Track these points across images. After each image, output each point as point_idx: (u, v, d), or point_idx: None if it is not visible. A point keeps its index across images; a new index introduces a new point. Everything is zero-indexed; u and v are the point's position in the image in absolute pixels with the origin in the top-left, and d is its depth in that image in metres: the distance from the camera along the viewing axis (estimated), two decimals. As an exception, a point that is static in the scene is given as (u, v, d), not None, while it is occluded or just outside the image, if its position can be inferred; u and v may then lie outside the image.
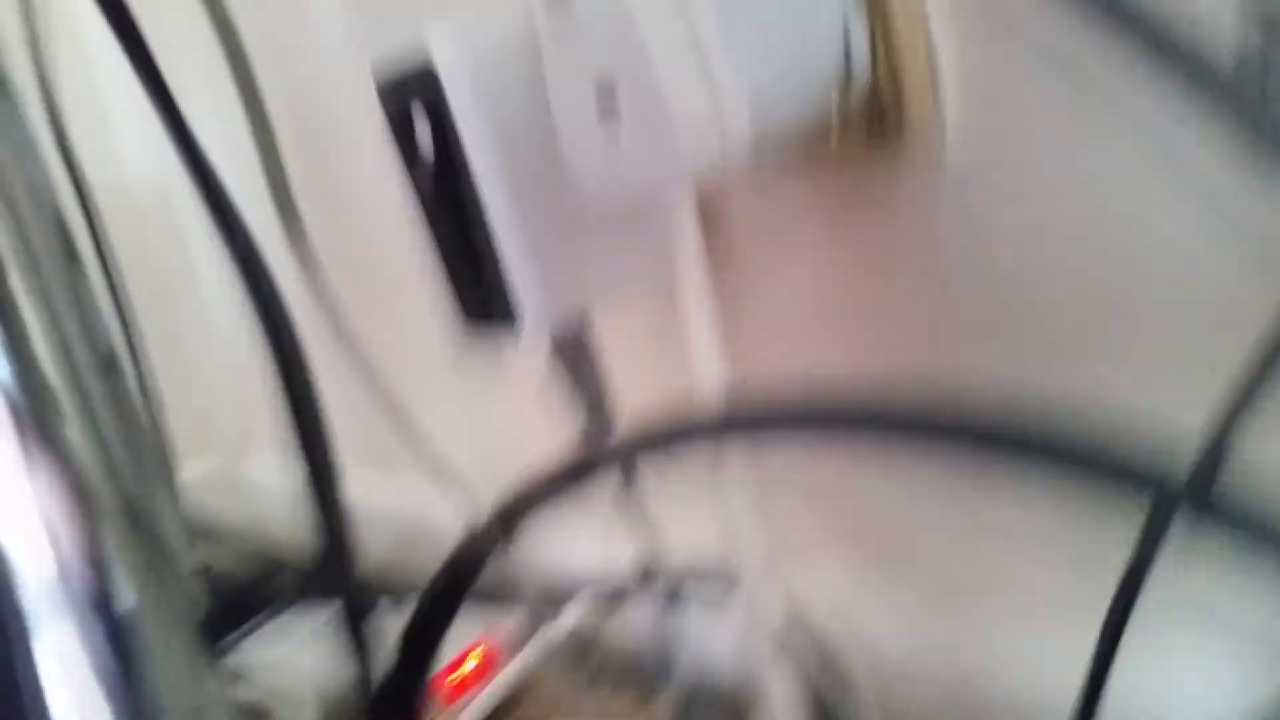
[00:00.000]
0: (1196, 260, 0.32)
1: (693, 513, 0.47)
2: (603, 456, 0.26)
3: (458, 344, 0.40)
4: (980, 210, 0.36)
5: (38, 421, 0.19)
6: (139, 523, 0.21)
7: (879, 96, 0.35)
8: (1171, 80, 0.28)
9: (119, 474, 0.20)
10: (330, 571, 0.29)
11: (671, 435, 0.26)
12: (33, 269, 0.20)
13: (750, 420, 0.25)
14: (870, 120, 0.36)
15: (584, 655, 0.58)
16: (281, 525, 0.80)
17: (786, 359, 0.45)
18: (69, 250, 0.20)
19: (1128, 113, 0.32)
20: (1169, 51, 0.28)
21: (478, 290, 0.39)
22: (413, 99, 0.36)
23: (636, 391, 0.53)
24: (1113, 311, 0.34)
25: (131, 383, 0.22)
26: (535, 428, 0.61)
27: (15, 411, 0.19)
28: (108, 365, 0.20)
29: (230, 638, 0.62)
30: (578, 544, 0.57)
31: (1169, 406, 0.28)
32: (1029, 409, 0.22)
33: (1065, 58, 0.33)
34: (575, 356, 0.41)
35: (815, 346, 0.44)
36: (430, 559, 0.30)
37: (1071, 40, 0.32)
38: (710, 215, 0.44)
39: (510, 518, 0.27)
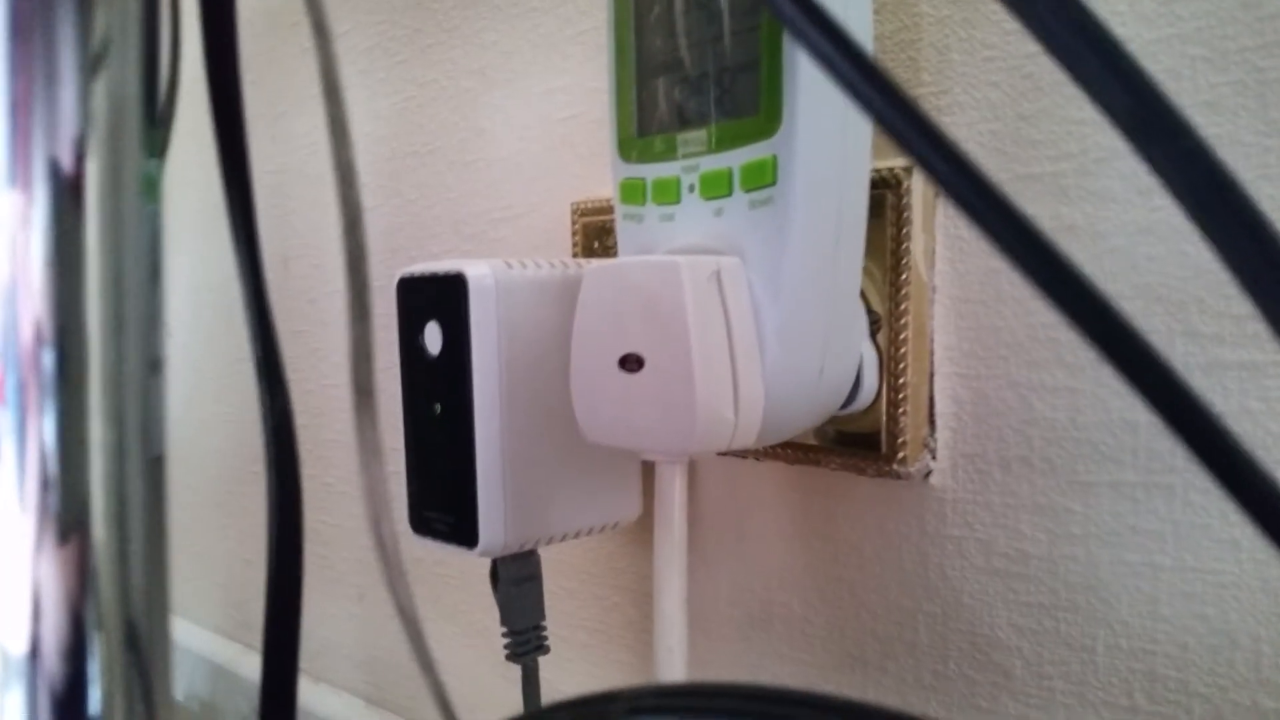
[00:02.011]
0: (1191, 642, 0.32)
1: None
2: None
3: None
4: (954, 548, 0.36)
5: (67, 515, 0.19)
6: (136, 648, 0.19)
7: (878, 416, 0.36)
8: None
9: (129, 591, 0.19)
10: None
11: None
12: (116, 371, 0.19)
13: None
14: (864, 435, 0.37)
15: None
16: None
17: (738, 635, 0.45)
18: (155, 358, 0.20)
19: (1124, 467, 0.33)
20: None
21: (437, 492, 0.38)
22: (433, 298, 0.37)
23: (575, 628, 0.52)
24: (1070, 672, 0.34)
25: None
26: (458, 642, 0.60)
27: (48, 501, 0.19)
28: (154, 469, 0.20)
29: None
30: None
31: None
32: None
33: (1067, 397, 0.34)
34: (517, 581, 0.40)
35: (763, 636, 0.43)
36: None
37: (1072, 380, 0.33)
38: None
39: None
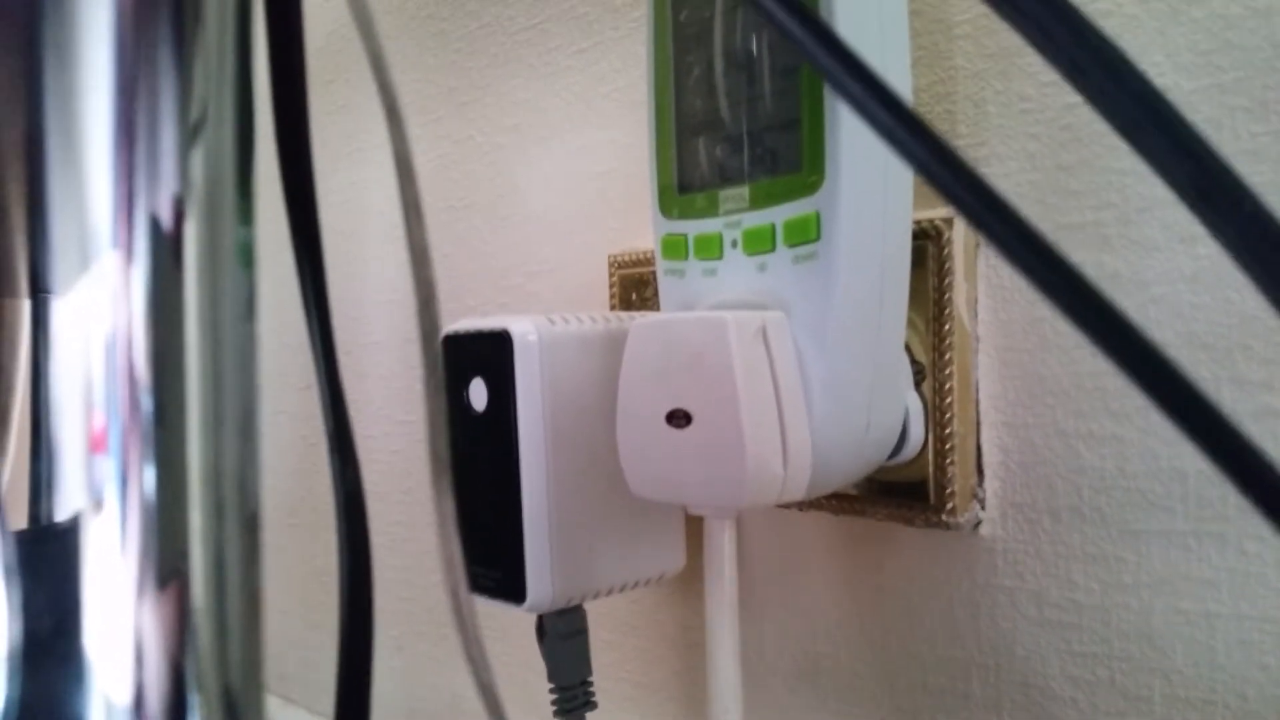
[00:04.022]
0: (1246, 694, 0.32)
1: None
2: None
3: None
4: (1005, 598, 0.36)
5: (167, 562, 0.19)
6: (232, 704, 0.20)
7: (925, 466, 0.36)
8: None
9: (227, 654, 0.20)
10: None
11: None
12: (213, 428, 0.20)
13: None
14: (910, 485, 0.37)
15: None
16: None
17: (785, 688, 0.44)
18: (250, 417, 0.21)
19: (1175, 516, 0.33)
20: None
21: (484, 548, 0.38)
22: (478, 355, 0.37)
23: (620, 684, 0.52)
24: (1117, 735, 0.34)
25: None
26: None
27: (149, 548, 0.19)
28: (249, 525, 0.20)
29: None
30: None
31: None
32: None
33: (1115, 446, 0.34)
34: (564, 636, 0.40)
35: (810, 689, 0.43)
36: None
37: (1119, 428, 0.33)
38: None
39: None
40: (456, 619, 0.17)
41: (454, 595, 0.17)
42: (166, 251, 0.20)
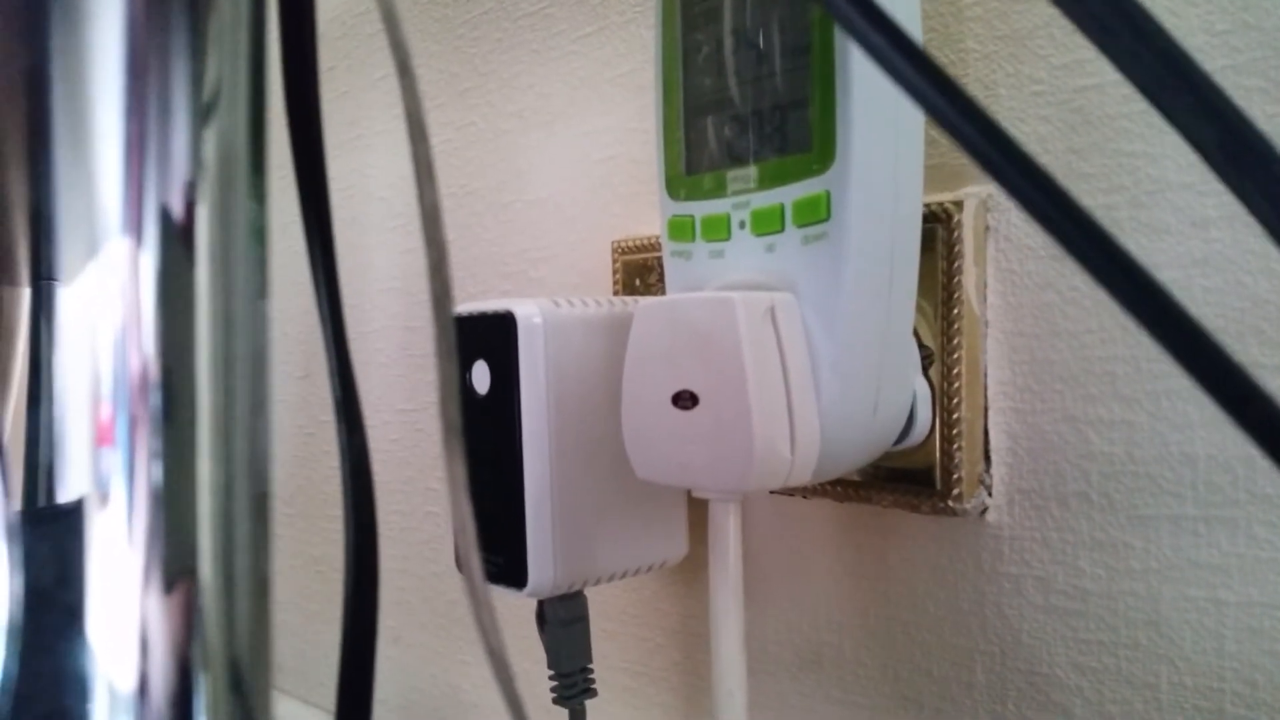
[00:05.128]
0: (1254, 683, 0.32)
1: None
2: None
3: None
4: (1011, 586, 0.36)
5: (174, 554, 0.19)
6: (240, 690, 0.19)
7: (931, 452, 0.36)
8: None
9: (235, 630, 0.19)
10: None
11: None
12: (224, 410, 0.19)
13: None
14: (916, 471, 0.36)
15: None
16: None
17: (787, 676, 0.44)
18: (261, 397, 0.20)
19: (1184, 501, 0.33)
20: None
21: (485, 532, 0.38)
22: (482, 337, 0.37)
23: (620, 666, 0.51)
24: (1134, 711, 0.34)
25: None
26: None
27: (156, 540, 0.19)
28: (259, 506, 0.20)
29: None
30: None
31: None
32: None
33: (1124, 431, 0.33)
34: (565, 622, 0.40)
35: (813, 677, 0.43)
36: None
37: (1128, 413, 0.33)
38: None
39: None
40: (468, 587, 0.17)
41: (466, 563, 0.17)
42: (178, 234, 0.19)
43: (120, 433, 0.19)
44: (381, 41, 0.64)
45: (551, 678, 0.40)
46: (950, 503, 0.36)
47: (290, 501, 0.77)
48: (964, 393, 0.35)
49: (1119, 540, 0.34)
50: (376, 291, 0.67)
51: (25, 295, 0.19)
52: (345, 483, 0.22)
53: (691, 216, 0.35)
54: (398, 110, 0.63)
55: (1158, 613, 0.33)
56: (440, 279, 0.16)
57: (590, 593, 0.40)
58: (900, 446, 0.35)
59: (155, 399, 0.19)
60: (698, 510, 0.41)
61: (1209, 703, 0.32)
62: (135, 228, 0.19)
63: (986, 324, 0.36)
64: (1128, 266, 0.16)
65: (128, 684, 0.19)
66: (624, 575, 0.39)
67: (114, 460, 0.19)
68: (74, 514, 0.19)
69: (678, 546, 0.42)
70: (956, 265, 0.35)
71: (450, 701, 0.64)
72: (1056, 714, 0.35)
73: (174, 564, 0.19)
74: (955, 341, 0.35)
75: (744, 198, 0.33)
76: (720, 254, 0.34)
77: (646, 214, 0.48)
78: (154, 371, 0.19)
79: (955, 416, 0.35)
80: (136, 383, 0.19)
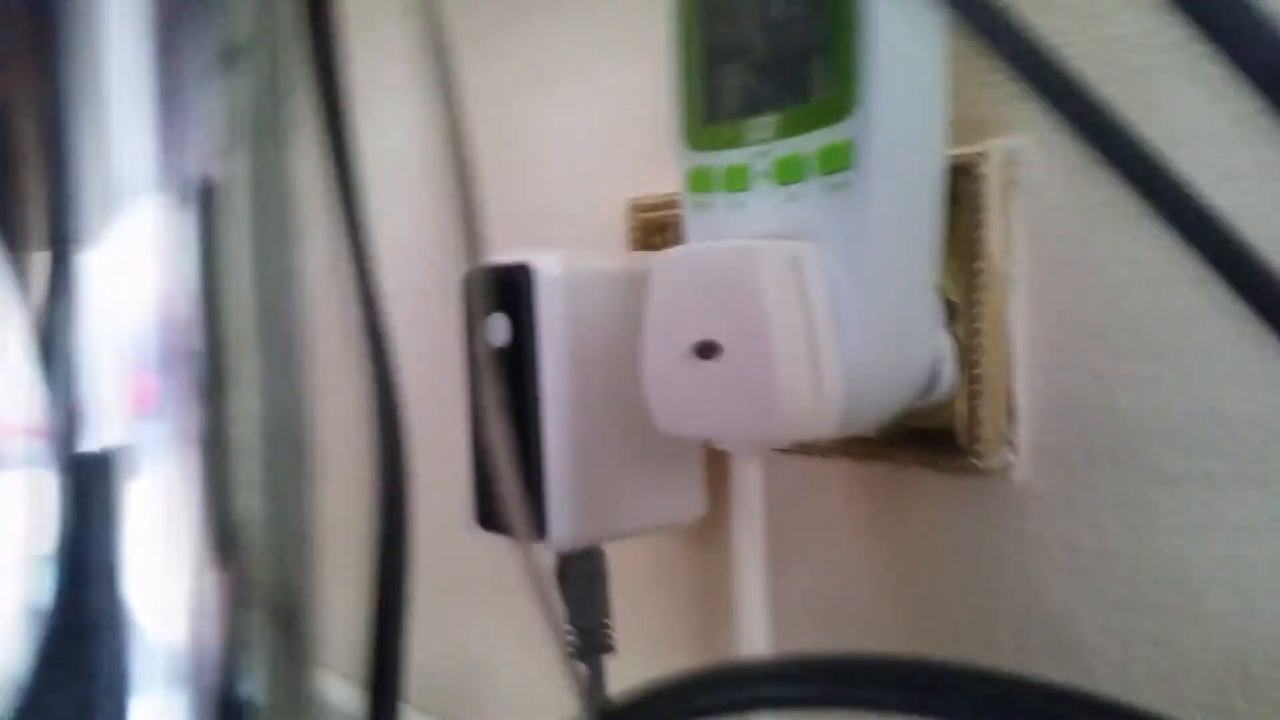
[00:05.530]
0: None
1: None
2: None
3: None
4: (1035, 545, 0.35)
5: (214, 487, 0.18)
6: (287, 621, 0.19)
7: (954, 410, 0.35)
8: None
9: (280, 564, 0.19)
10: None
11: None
12: (264, 360, 0.19)
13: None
14: (938, 430, 0.36)
15: None
16: None
17: (807, 637, 0.44)
18: (297, 343, 0.20)
19: (1214, 459, 0.32)
20: None
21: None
22: (500, 289, 0.36)
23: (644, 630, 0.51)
24: (1158, 671, 0.33)
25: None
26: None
27: (194, 475, 0.18)
28: (299, 446, 0.20)
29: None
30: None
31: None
32: None
33: (1153, 388, 0.33)
34: (585, 577, 0.40)
35: (833, 638, 0.42)
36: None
37: (1157, 369, 0.32)
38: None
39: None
40: (514, 545, 0.17)
41: (513, 524, 0.16)
42: (207, 192, 0.19)
43: (161, 392, 0.19)
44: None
45: (569, 633, 0.39)
46: (973, 460, 0.35)
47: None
48: (988, 348, 0.35)
49: (1146, 499, 0.33)
50: (387, 253, 0.66)
51: (53, 259, 0.19)
52: (372, 419, 0.22)
53: (711, 167, 0.34)
54: (409, 69, 0.62)
55: (1185, 572, 0.33)
56: (466, 199, 0.15)
57: (609, 555, 0.40)
58: (924, 402, 0.35)
59: (193, 359, 0.19)
60: (716, 471, 0.41)
61: (1236, 663, 0.32)
62: (168, 188, 0.19)
63: (1011, 279, 0.35)
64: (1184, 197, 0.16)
65: (174, 642, 0.19)
66: (643, 531, 0.39)
67: (154, 420, 0.19)
68: (114, 470, 0.19)
69: (696, 505, 0.41)
70: (980, 219, 0.34)
71: (470, 668, 0.64)
72: (1080, 674, 0.35)
73: (221, 531, 0.19)
74: (979, 296, 0.35)
75: (765, 146, 0.33)
76: (741, 205, 0.33)
77: (662, 171, 0.47)
78: (190, 330, 0.19)
79: (978, 373, 0.35)
80: (175, 341, 0.19)
